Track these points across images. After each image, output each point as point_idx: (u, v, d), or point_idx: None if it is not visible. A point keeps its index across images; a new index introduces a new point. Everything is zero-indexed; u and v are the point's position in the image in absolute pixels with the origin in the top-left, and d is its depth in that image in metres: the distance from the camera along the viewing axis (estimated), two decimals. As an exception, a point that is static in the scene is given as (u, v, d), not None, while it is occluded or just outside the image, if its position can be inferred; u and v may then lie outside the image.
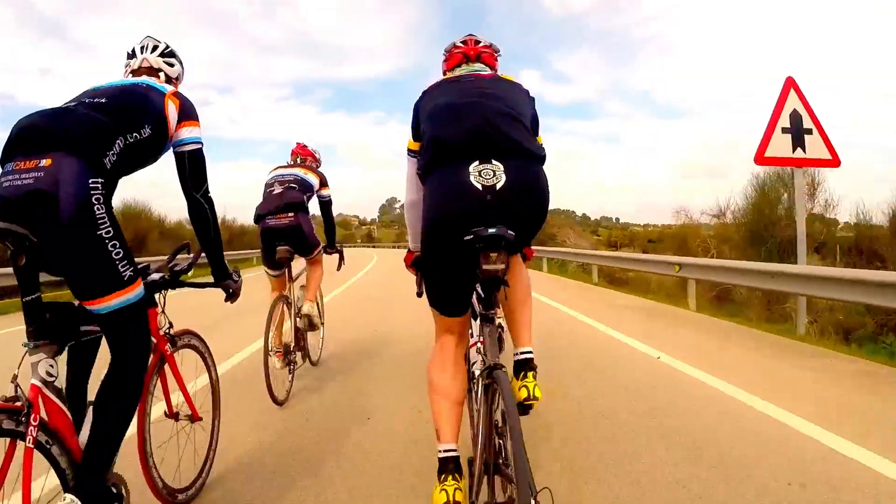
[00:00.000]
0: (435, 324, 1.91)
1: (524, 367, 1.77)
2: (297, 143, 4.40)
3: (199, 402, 2.24)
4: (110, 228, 1.53)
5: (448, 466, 1.64)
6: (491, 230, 1.52)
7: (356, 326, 6.19)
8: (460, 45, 2.12)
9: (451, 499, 1.54)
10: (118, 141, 1.64)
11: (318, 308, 4.24)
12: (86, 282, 1.55)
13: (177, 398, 2.13)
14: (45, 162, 1.46)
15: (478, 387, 1.64)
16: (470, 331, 2.07)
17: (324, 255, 4.21)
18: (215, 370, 2.43)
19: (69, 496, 1.45)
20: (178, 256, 2.19)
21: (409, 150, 1.95)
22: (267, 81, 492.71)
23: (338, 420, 3.11)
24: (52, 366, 1.53)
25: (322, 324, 4.40)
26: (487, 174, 1.58)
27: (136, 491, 1.97)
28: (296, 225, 3.72)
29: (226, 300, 2.14)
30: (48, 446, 1.45)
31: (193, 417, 2.18)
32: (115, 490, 1.63)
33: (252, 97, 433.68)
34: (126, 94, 1.77)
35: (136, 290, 1.63)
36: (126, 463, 1.75)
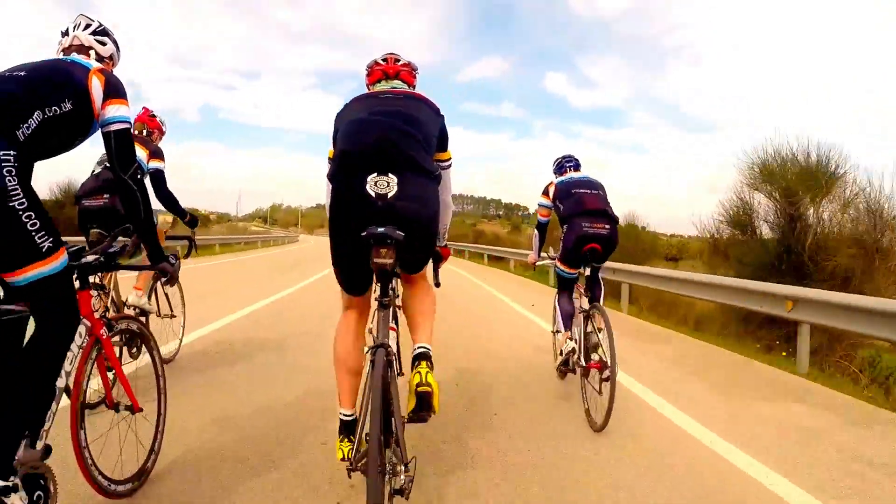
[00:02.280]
0: (341, 300, 2.15)
1: (420, 357, 1.93)
2: (144, 109, 4.01)
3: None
4: (24, 200, 1.49)
5: (345, 429, 1.95)
6: (380, 229, 1.77)
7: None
8: (381, 62, 2.29)
9: (346, 455, 1.84)
10: (35, 113, 1.59)
11: (161, 295, 4.03)
12: (1, 252, 1.49)
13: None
14: None
15: (366, 361, 1.85)
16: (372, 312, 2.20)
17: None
18: (160, 355, 2.33)
19: None
20: (117, 240, 2.11)
21: (329, 158, 2.09)
22: (293, 69, 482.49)
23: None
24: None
25: (172, 314, 4.08)
26: (382, 184, 1.82)
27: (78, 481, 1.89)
28: (111, 206, 3.35)
29: (164, 282, 2.08)
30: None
31: (134, 408, 2.09)
32: (41, 481, 1.55)
33: (277, 84, 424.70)
34: (47, 69, 1.73)
35: (56, 262, 1.58)
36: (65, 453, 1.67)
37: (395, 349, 2.10)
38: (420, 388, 1.80)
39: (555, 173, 4.03)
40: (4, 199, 1.44)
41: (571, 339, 3.50)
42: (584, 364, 3.23)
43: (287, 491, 2.14)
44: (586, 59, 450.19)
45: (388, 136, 1.89)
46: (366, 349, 1.84)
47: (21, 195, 1.48)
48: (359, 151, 1.89)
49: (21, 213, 1.47)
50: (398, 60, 2.29)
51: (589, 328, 3.30)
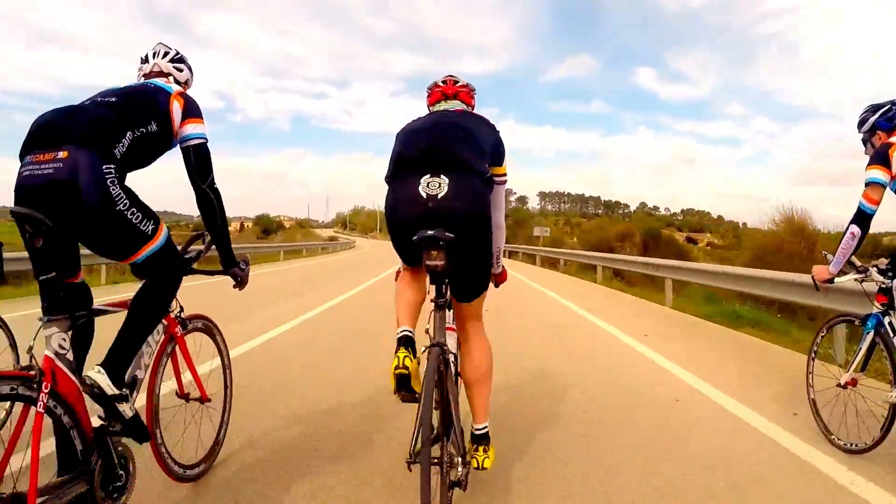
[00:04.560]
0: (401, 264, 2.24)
1: (478, 441, 2.07)
2: None
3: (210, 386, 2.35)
4: (126, 201, 1.73)
5: (403, 341, 1.93)
6: (430, 232, 1.82)
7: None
8: (441, 84, 2.38)
9: (400, 363, 1.83)
10: (128, 134, 1.80)
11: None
12: (120, 246, 1.80)
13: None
14: (61, 154, 1.63)
15: (422, 361, 1.87)
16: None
17: None
18: (227, 353, 2.54)
19: (97, 367, 1.72)
20: (191, 247, 2.31)
21: (385, 179, 2.14)
22: (381, 75, 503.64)
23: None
24: (64, 339, 1.67)
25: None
26: (434, 185, 1.88)
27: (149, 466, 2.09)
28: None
29: (234, 286, 2.25)
30: (57, 412, 1.57)
31: (203, 398, 2.30)
32: (122, 461, 1.76)
33: (366, 91, 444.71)
34: (135, 94, 1.95)
35: (160, 238, 1.85)
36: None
37: (453, 348, 2.15)
38: (476, 468, 1.95)
39: (880, 128, 2.75)
40: (112, 206, 1.69)
41: None
42: None
43: (347, 483, 2.26)
44: (674, 53, 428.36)
45: (442, 140, 1.99)
46: (422, 349, 1.88)
47: (124, 198, 1.73)
48: (412, 154, 1.99)
49: (126, 212, 1.73)
50: (457, 82, 2.37)
51: None
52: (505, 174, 2.22)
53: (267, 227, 66.49)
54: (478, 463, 1.97)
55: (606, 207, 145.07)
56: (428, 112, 2.36)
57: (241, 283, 2.25)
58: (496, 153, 2.15)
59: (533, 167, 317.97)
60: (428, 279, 2.03)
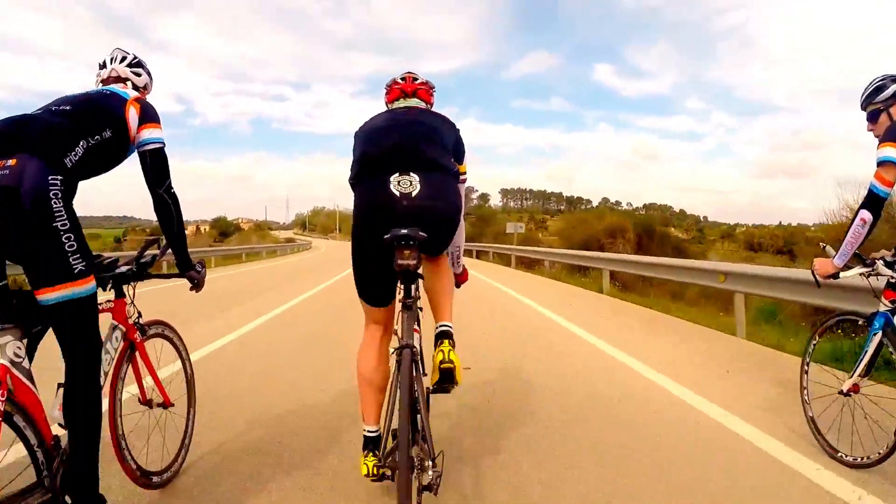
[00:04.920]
0: (364, 315, 2.20)
1: (442, 336, 2.00)
2: None
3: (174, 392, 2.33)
4: (66, 222, 1.64)
5: (369, 444, 1.99)
6: (403, 230, 1.80)
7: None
8: (399, 81, 2.35)
9: (370, 471, 1.88)
10: (81, 143, 1.77)
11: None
12: (37, 269, 1.63)
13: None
14: (11, 161, 1.60)
15: (392, 362, 1.86)
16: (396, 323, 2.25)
17: None
18: (188, 358, 2.52)
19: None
20: (147, 251, 2.29)
21: (349, 181, 2.11)
22: (341, 77, 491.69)
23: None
24: (19, 347, 1.64)
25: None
26: (405, 183, 1.88)
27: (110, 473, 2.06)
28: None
29: (191, 289, 2.24)
30: (15, 420, 1.55)
31: (166, 404, 2.28)
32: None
33: (327, 93, 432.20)
34: (89, 102, 1.92)
35: (85, 286, 1.69)
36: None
37: (419, 349, 2.14)
38: (444, 365, 1.89)
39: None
40: (49, 219, 1.61)
41: None
42: None
43: (315, 488, 2.29)
44: (633, 48, 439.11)
45: (408, 138, 1.99)
46: (391, 350, 1.90)
47: (64, 217, 1.64)
48: (379, 153, 1.97)
49: (62, 233, 1.62)
50: (416, 79, 2.35)
51: None
52: (465, 172, 2.25)
53: (224, 229, 64.97)
54: (444, 355, 1.90)
55: (569, 203, 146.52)
56: (387, 109, 2.34)
57: (197, 285, 2.24)
58: (457, 151, 2.19)
59: (495, 164, 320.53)
60: (398, 279, 2.00)
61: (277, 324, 6.52)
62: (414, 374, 1.80)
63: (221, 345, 5.14)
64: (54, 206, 1.62)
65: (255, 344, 5.27)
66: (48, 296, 1.63)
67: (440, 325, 2.04)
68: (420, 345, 2.23)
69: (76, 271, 1.65)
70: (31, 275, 1.65)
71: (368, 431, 2.03)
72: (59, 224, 1.63)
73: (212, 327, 5.99)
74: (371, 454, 1.97)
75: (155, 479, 2.14)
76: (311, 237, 75.52)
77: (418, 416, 1.81)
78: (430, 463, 1.70)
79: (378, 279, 2.07)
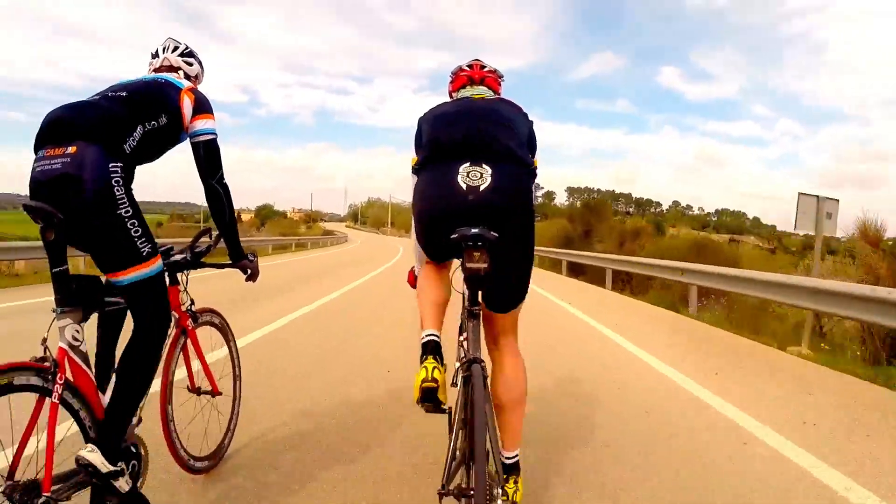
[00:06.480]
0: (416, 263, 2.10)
1: (509, 471, 1.84)
2: None
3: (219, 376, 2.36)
4: (129, 208, 1.67)
5: (429, 347, 1.67)
6: (474, 230, 1.60)
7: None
8: (466, 68, 2.19)
9: (429, 375, 1.58)
10: (138, 128, 1.79)
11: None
12: (107, 256, 1.69)
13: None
14: (71, 149, 1.62)
15: (457, 377, 1.65)
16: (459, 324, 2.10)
17: None
18: (236, 346, 2.55)
19: (90, 445, 1.59)
20: (201, 240, 2.33)
21: (413, 168, 1.98)
22: (404, 72, 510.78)
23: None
24: (77, 331, 1.67)
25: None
26: (474, 175, 1.69)
27: (161, 455, 2.11)
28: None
29: (246, 280, 2.25)
30: (71, 402, 1.58)
31: (213, 392, 2.31)
32: (133, 449, 1.76)
33: (389, 87, 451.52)
34: (145, 88, 1.93)
35: (154, 266, 1.76)
36: (149, 427, 1.87)
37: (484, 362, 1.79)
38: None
39: None
40: (113, 207, 1.64)
41: None
42: None
43: (357, 481, 2.27)
44: (699, 52, 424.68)
45: (484, 125, 1.79)
46: (456, 364, 1.69)
47: (127, 204, 1.67)
48: (451, 140, 1.79)
49: (126, 220, 1.66)
50: (483, 67, 2.20)
51: None
52: (536, 167, 2.01)
53: (267, 218, 63.20)
54: (508, 496, 1.77)
55: (638, 206, 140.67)
56: (451, 98, 2.17)
57: (252, 275, 2.25)
58: (531, 146, 1.98)
59: (558, 164, 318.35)
60: (462, 283, 1.81)
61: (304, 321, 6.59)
62: (484, 390, 1.58)
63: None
64: (117, 193, 1.65)
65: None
66: (122, 277, 1.70)
67: (506, 457, 1.83)
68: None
69: (144, 253, 1.72)
70: (101, 260, 1.71)
71: (428, 335, 1.70)
72: (122, 211, 1.66)
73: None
74: (431, 357, 1.64)
75: (198, 464, 2.17)
76: (361, 230, 75.06)
77: (487, 438, 1.55)
78: (500, 491, 1.53)
79: (440, 254, 1.91)
